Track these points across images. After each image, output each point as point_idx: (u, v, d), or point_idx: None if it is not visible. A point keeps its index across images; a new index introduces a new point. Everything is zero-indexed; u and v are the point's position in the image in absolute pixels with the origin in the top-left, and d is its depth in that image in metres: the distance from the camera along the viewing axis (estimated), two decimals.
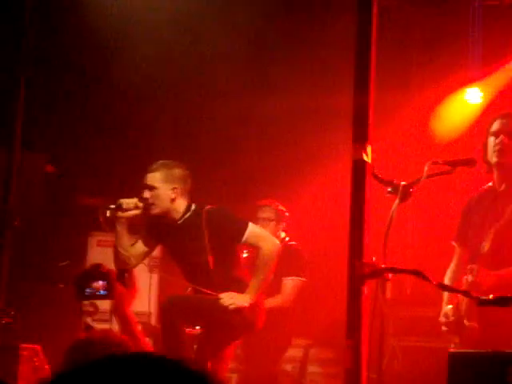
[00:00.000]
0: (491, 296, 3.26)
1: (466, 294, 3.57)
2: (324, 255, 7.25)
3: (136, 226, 5.96)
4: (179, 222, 5.78)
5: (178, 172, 5.79)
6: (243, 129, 7.75)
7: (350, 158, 3.56)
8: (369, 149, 3.38)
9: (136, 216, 5.78)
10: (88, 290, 3.25)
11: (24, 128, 5.99)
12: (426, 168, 4.51)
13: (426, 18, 8.03)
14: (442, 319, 5.10)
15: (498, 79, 7.59)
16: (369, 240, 3.40)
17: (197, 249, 5.71)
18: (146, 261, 7.30)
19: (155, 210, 5.75)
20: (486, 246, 4.95)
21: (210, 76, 7.67)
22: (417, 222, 7.25)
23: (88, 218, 7.49)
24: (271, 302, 6.49)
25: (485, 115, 6.84)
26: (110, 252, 7.28)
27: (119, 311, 3.21)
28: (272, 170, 7.61)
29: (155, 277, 7.31)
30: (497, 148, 5.12)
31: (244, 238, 5.66)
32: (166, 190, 5.73)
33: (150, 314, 7.22)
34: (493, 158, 5.14)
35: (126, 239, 5.83)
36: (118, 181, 7.90)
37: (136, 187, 7.91)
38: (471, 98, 7.72)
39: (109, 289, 3.21)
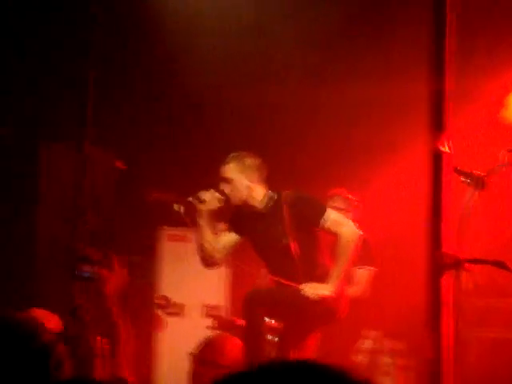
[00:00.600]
0: None
1: None
2: (395, 245, 7.20)
3: (217, 219, 6.00)
4: (261, 210, 5.86)
5: (250, 161, 5.86)
6: (318, 117, 7.73)
7: (424, 148, 3.53)
8: (447, 139, 3.36)
9: (216, 208, 5.87)
10: (78, 273, 3.49)
11: (93, 125, 6.06)
12: (500, 156, 4.46)
13: (501, 2, 7.91)
14: None
15: None
16: (449, 230, 3.39)
17: (279, 234, 5.76)
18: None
19: (234, 201, 5.85)
20: None
21: (281, 64, 7.67)
22: (493, 212, 7.16)
23: (158, 213, 7.58)
24: (349, 293, 6.48)
25: None
26: (180, 246, 7.38)
27: (102, 293, 3.42)
28: (344, 158, 7.59)
29: (227, 270, 7.34)
30: None
31: (322, 222, 5.71)
32: (242, 180, 5.81)
33: (221, 306, 7.25)
34: None
35: (209, 232, 5.90)
36: (186, 175, 7.95)
37: (203, 181, 7.99)
38: None
39: (93, 272, 3.44)
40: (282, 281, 5.76)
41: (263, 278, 6.35)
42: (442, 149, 3.31)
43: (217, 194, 5.82)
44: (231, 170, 5.83)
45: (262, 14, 7.53)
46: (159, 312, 7.24)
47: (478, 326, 6.13)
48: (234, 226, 6.00)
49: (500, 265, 3.27)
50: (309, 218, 5.75)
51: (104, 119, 7.25)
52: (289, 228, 5.73)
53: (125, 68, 7.62)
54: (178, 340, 7.01)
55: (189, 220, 5.86)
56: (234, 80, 7.81)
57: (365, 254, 6.75)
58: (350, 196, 6.87)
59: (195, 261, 7.35)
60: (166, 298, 7.22)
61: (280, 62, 7.68)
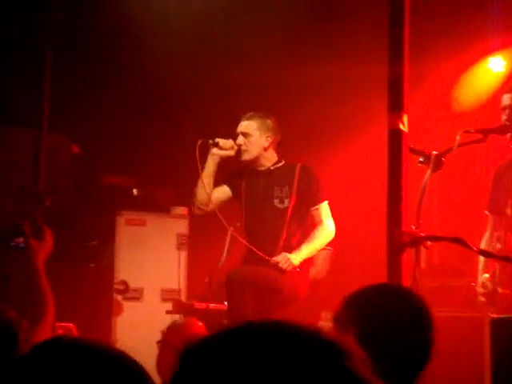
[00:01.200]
0: None
1: (506, 259, 3.58)
2: (355, 225, 7.26)
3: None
4: (272, 168, 6.01)
5: (271, 122, 6.03)
6: (279, 98, 7.74)
7: (384, 128, 3.57)
8: (405, 118, 3.39)
9: (228, 157, 6.05)
10: (12, 244, 3.76)
11: (50, 111, 6.01)
12: (458, 137, 4.51)
13: None
14: (480, 289, 5.09)
15: None
16: (406, 209, 3.42)
17: (283, 195, 5.91)
18: (174, 239, 7.38)
19: (247, 156, 6.00)
20: (509, 211, 4.96)
21: (245, 48, 7.68)
22: (449, 192, 7.24)
23: (116, 197, 7.56)
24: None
25: (508, 83, 6.82)
26: (138, 230, 7.36)
27: (31, 263, 3.61)
28: (304, 137, 7.62)
29: (183, 254, 7.35)
30: (508, 124, 5.11)
31: (316, 207, 5.92)
32: (260, 137, 5.97)
33: (179, 290, 7.25)
34: (508, 134, 5.12)
35: (212, 179, 6.07)
36: (145, 161, 7.93)
37: (163, 166, 7.98)
38: (494, 67, 7.70)
39: (25, 242, 3.70)
40: (256, 251, 5.82)
41: (223, 264, 6.37)
42: (401, 127, 3.34)
43: (234, 144, 5.98)
44: (251, 126, 5.98)
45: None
46: (118, 297, 7.22)
47: (435, 306, 6.19)
48: (231, 182, 6.14)
49: (458, 241, 3.31)
50: (311, 196, 5.93)
51: (61, 105, 7.22)
52: (294, 193, 5.87)
53: (84, 52, 7.55)
54: (137, 324, 7.00)
55: (200, 162, 5.97)
56: (196, 65, 7.79)
57: None
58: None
59: (154, 245, 7.37)
60: (124, 283, 7.21)
61: (244, 45, 7.68)
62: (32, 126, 6.87)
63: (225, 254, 6.39)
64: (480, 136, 4.65)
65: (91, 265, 7.39)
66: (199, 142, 5.97)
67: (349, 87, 7.33)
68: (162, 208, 7.58)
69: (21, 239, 3.80)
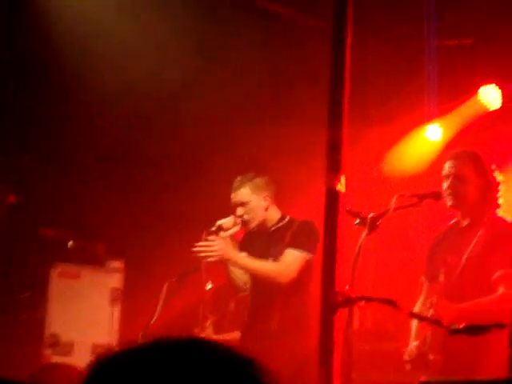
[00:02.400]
0: (462, 325, 3.31)
1: (436, 323, 3.61)
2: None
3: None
4: (272, 230, 5.91)
5: (260, 181, 5.92)
6: (217, 153, 7.79)
7: (323, 189, 3.61)
8: (343, 179, 3.43)
9: (236, 233, 5.94)
10: None
11: None
12: (393, 200, 4.59)
13: (386, 56, 8.17)
14: (406, 357, 5.13)
15: (456, 116, 7.73)
16: (341, 270, 3.45)
17: (277, 253, 5.77)
18: (108, 293, 7.31)
19: (253, 224, 5.89)
20: (441, 278, 5.03)
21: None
22: (384, 255, 7.31)
23: (51, 249, 7.47)
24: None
25: (445, 151, 6.96)
26: (71, 283, 7.27)
27: None
28: None
29: (117, 308, 7.27)
30: (448, 192, 5.20)
31: (292, 249, 5.73)
32: (258, 200, 5.86)
33: (111, 345, 7.15)
34: (448, 202, 5.21)
35: (247, 258, 5.87)
36: (80, 212, 7.87)
37: (98, 219, 7.92)
38: (431, 135, 7.84)
39: None
40: None
41: (157, 319, 6.30)
42: (338, 188, 3.38)
43: (236, 219, 5.86)
44: (245, 193, 5.86)
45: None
46: (48, 351, 7.09)
47: (362, 369, 6.21)
48: (246, 249, 6.00)
49: (390, 303, 3.34)
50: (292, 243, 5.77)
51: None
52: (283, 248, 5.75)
53: (19, 99, 7.52)
54: None
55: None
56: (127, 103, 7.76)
57: None
58: None
59: (87, 298, 7.28)
60: (55, 336, 7.09)
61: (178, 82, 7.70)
62: None
63: (159, 310, 6.33)
64: (415, 200, 4.74)
65: (22, 317, 7.27)
66: (204, 234, 5.82)
67: (293, 152, 7.42)
68: (96, 261, 7.51)
69: None
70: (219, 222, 5.84)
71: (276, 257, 5.78)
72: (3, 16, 7.26)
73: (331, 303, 3.40)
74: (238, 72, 7.70)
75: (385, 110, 8.16)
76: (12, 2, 7.40)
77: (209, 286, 6.36)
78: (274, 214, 5.94)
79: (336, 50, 3.59)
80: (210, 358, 1.09)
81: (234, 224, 5.88)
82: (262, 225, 5.93)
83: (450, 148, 6.35)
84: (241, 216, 5.84)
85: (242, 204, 5.85)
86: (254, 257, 5.88)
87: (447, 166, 5.31)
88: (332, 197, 3.45)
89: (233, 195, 5.89)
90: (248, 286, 6.04)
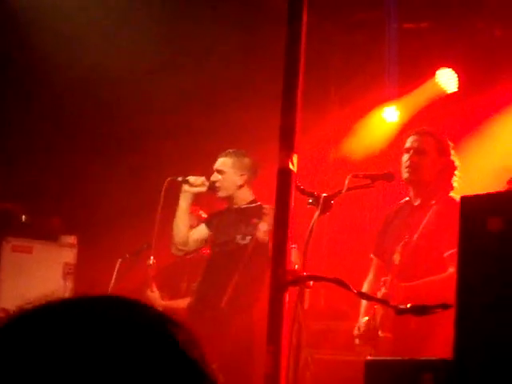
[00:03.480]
0: (408, 305, 3.33)
1: (383, 302, 3.64)
2: None
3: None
4: (243, 207, 5.99)
5: (247, 161, 6.02)
6: (173, 140, 7.77)
7: (275, 168, 3.60)
8: (295, 158, 3.43)
9: (200, 193, 6.04)
10: None
11: None
12: (346, 181, 4.60)
13: (346, 38, 8.19)
14: (356, 332, 5.19)
15: (413, 98, 7.78)
16: (290, 249, 3.45)
17: (246, 232, 5.87)
18: (61, 268, 7.27)
19: (221, 194, 5.99)
20: (397, 258, 5.07)
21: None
22: (336, 234, 7.35)
23: (3, 223, 7.39)
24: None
25: (402, 133, 7.00)
26: (24, 257, 7.21)
27: None
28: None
29: (69, 283, 7.24)
30: (406, 164, 5.27)
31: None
32: (235, 175, 5.95)
33: None
34: (404, 174, 5.27)
35: (187, 217, 6.02)
36: (34, 187, 7.80)
37: (52, 193, 7.86)
38: (388, 116, 7.89)
39: None
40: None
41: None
42: (290, 167, 3.38)
43: (205, 181, 5.95)
44: (226, 163, 5.98)
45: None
46: None
47: (318, 348, 6.25)
48: (209, 221, 6.14)
49: (338, 282, 3.35)
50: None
51: None
52: (257, 232, 5.77)
53: None
54: None
55: (165, 199, 5.91)
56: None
57: None
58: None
59: (39, 273, 7.23)
60: (5, 311, 7.03)
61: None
62: None
63: (112, 285, 6.34)
64: (368, 181, 4.77)
65: None
66: (168, 179, 5.93)
67: (244, 131, 7.41)
68: (50, 236, 7.45)
69: None
70: (188, 177, 5.95)
71: (244, 235, 5.87)
72: None
73: (280, 282, 3.41)
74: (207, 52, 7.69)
75: (343, 91, 8.19)
76: None
77: (151, 261, 6.34)
78: (246, 195, 6.04)
79: (291, 31, 3.58)
80: (119, 314, 1.06)
81: (202, 185, 5.95)
82: (231, 202, 6.02)
83: (407, 130, 6.39)
84: (213, 182, 5.96)
85: (219, 171, 5.98)
86: (219, 233, 5.97)
87: (410, 140, 5.37)
88: (284, 176, 3.44)
89: (217, 160, 6.03)
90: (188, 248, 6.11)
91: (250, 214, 5.95)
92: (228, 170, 5.97)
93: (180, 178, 5.96)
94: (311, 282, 3.62)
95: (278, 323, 3.41)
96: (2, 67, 7.49)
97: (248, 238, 5.85)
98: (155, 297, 6.32)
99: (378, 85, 7.80)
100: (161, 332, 1.05)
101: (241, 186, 6.00)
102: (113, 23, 7.52)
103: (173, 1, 7.82)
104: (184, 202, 5.99)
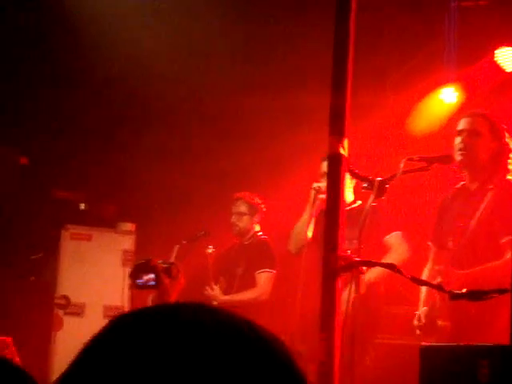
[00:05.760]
0: (464, 290, 3.27)
1: (438, 288, 3.58)
2: None
3: None
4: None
5: None
6: (226, 124, 7.74)
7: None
8: (345, 142, 3.38)
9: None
10: (139, 281, 3.45)
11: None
12: (401, 164, 4.53)
13: (402, 19, 8.07)
14: (416, 322, 5.10)
15: (472, 79, 7.64)
16: (344, 234, 3.40)
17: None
18: (120, 255, 7.33)
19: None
20: (452, 244, 4.97)
21: (196, 72, 7.67)
22: (392, 219, 7.26)
23: (62, 211, 7.48)
24: (247, 295, 6.60)
25: (459, 114, 6.87)
26: (83, 245, 7.29)
27: (163, 300, 3.36)
28: (252, 165, 7.61)
29: (128, 270, 7.26)
30: (460, 146, 5.10)
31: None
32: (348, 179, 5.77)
33: (122, 307, 7.18)
34: (457, 157, 5.11)
35: (311, 222, 5.96)
36: (93, 175, 7.86)
37: (111, 180, 7.91)
38: (446, 98, 7.75)
39: (157, 280, 3.39)
40: None
41: None
42: (341, 151, 3.33)
43: None
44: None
45: None
46: (59, 312, 7.13)
47: (378, 332, 6.20)
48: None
49: (392, 267, 3.30)
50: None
51: (8, 114, 7.14)
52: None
53: (29, 63, 7.48)
54: (78, 340, 6.89)
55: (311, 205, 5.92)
56: (147, 81, 7.75)
57: (265, 256, 6.80)
58: (255, 199, 6.89)
59: (98, 260, 7.30)
60: (66, 298, 7.12)
61: (196, 70, 7.68)
62: None
63: None
64: (424, 164, 4.67)
65: (31, 278, 7.30)
66: (314, 185, 5.89)
67: (295, 117, 7.36)
68: (108, 224, 7.52)
69: (151, 276, 3.47)
70: (318, 185, 5.82)
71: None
72: None
73: (333, 268, 3.36)
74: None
75: (400, 73, 8.08)
76: None
77: (210, 250, 6.38)
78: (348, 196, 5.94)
79: (341, 9, 3.52)
80: (214, 328, 1.06)
81: None
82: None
83: (465, 111, 6.26)
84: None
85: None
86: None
87: (463, 122, 5.22)
88: (335, 161, 3.40)
89: (323, 165, 5.80)
90: None
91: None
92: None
93: (316, 185, 5.85)
94: (364, 268, 3.56)
95: (331, 310, 3.38)
96: (70, 69, 7.57)
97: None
98: (216, 294, 6.44)
99: (435, 65, 7.68)
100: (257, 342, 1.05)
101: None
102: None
103: None
104: (312, 211, 5.90)
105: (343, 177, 3.42)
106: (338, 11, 3.47)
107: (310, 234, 5.97)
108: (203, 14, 7.58)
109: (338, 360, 3.35)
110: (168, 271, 3.49)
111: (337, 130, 3.44)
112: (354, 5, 3.48)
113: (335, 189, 3.42)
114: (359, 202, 5.87)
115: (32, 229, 7.38)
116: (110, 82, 7.63)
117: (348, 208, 5.79)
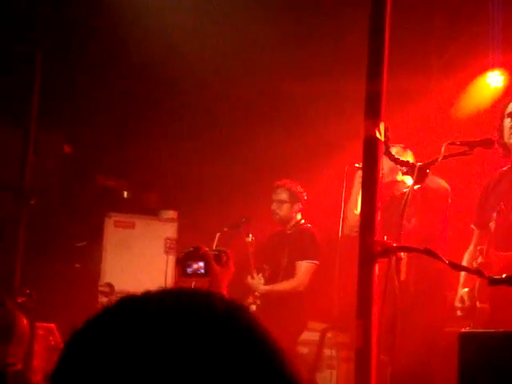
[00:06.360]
0: (504, 275, 3.21)
1: (477, 272, 3.51)
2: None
3: None
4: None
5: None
6: (265, 111, 7.71)
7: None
8: (382, 126, 3.32)
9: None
10: (189, 270, 3.41)
11: (41, 107, 5.98)
12: (443, 148, 4.45)
13: (447, 2, 7.97)
14: (458, 304, 5.04)
15: None
16: (381, 219, 3.36)
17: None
18: (162, 242, 7.35)
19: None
20: (492, 226, 4.90)
21: (237, 60, 7.65)
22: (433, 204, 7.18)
23: (106, 199, 7.52)
24: (286, 285, 6.57)
25: (504, 98, 6.76)
26: (126, 233, 7.32)
27: (214, 289, 3.32)
28: (292, 152, 7.58)
29: (171, 258, 7.30)
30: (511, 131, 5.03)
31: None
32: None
33: None
34: (510, 140, 5.04)
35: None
36: (135, 163, 7.90)
37: (153, 169, 7.93)
38: (492, 82, 7.65)
39: (207, 268, 3.36)
40: None
41: None
42: (378, 136, 3.28)
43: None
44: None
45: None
46: (103, 299, 7.17)
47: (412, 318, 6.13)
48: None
49: (429, 253, 3.25)
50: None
51: (57, 105, 7.19)
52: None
53: (72, 51, 7.52)
54: None
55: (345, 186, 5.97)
56: (188, 69, 7.75)
57: (309, 247, 6.75)
58: (297, 187, 6.84)
59: (141, 248, 7.33)
60: (110, 285, 7.16)
61: (233, 57, 7.67)
62: (24, 125, 6.85)
63: None
64: (465, 148, 4.59)
65: (76, 265, 7.36)
66: (347, 167, 5.85)
67: (337, 104, 7.31)
68: (151, 211, 7.54)
69: (200, 264, 3.46)
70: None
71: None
72: None
73: (370, 253, 3.32)
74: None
75: (446, 56, 7.98)
76: None
77: (250, 239, 6.36)
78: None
79: None
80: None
81: None
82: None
83: (510, 95, 6.15)
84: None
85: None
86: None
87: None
88: (370, 145, 3.35)
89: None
90: None
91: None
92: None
93: (357, 164, 5.76)
94: (402, 254, 3.51)
95: (368, 296, 3.33)
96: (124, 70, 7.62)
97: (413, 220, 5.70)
98: (256, 283, 6.44)
99: (481, 49, 7.57)
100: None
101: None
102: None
103: None
104: (359, 188, 5.82)
105: (379, 161, 3.37)
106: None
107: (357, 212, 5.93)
108: (248, 2, 7.56)
109: (375, 347, 3.31)
110: (218, 258, 3.44)
111: (372, 112, 3.40)
112: None
113: (372, 173, 3.37)
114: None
115: (76, 216, 7.44)
116: (152, 70, 7.63)
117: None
